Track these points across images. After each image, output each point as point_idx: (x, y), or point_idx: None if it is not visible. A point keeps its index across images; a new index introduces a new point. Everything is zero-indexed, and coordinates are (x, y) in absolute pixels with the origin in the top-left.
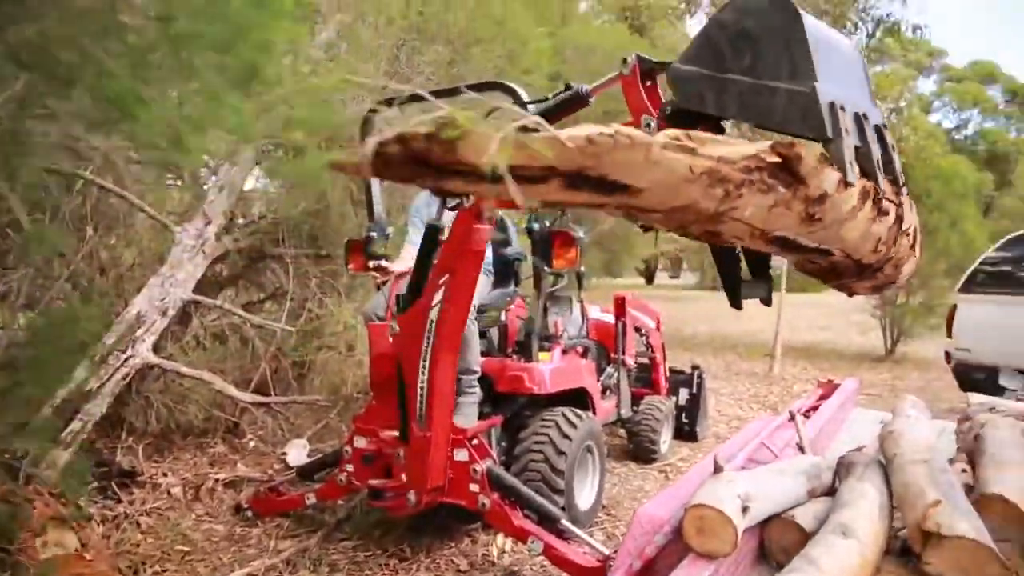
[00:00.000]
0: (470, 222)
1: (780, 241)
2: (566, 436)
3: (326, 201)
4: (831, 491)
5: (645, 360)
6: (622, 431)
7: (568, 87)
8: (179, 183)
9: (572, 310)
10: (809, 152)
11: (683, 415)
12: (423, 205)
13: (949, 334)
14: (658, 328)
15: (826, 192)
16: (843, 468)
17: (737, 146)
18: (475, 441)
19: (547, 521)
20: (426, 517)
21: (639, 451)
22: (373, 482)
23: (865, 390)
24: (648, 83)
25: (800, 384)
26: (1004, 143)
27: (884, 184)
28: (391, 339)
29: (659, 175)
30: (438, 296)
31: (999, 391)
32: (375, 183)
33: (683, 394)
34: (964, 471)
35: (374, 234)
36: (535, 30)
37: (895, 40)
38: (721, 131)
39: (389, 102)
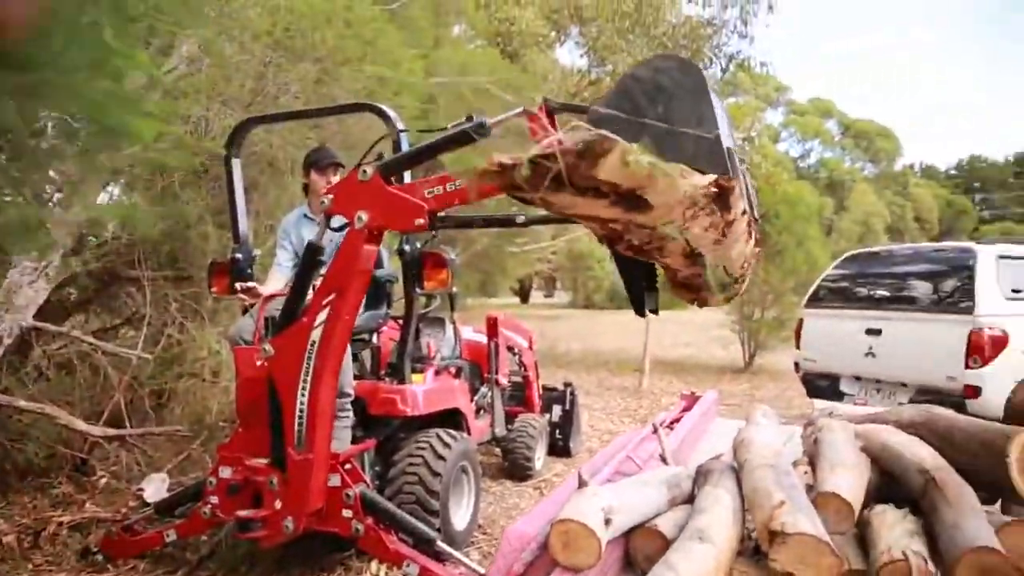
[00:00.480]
0: (360, 242)
1: (695, 256)
2: (440, 457)
3: (186, 221)
4: (691, 499)
5: (518, 379)
6: (497, 450)
7: (469, 118)
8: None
9: (445, 331)
10: (738, 186)
11: (557, 431)
12: (292, 227)
13: (797, 345)
14: (531, 347)
15: (736, 217)
16: (701, 476)
17: (696, 177)
18: (348, 466)
19: (422, 544)
20: (296, 548)
21: (514, 469)
22: (241, 513)
23: (726, 400)
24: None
25: (668, 397)
26: (840, 172)
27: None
28: (262, 362)
29: (671, 196)
30: (321, 316)
31: (840, 397)
32: (239, 202)
33: (556, 411)
34: (806, 472)
35: (240, 256)
36: (407, 52)
37: (746, 75)
38: None
39: (261, 119)
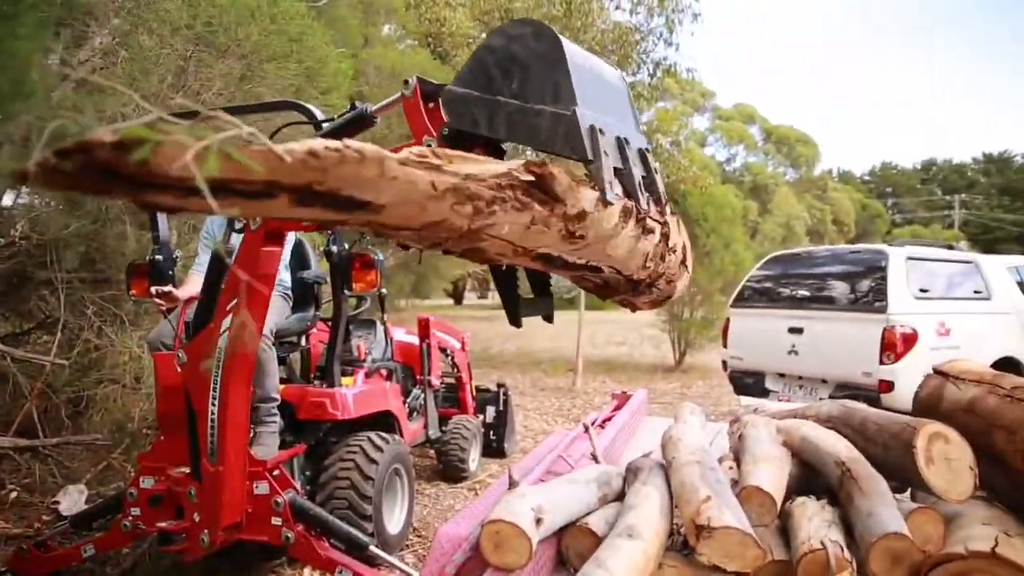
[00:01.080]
0: (258, 244)
1: (545, 258)
2: (372, 461)
3: (103, 220)
4: (622, 496)
5: (451, 380)
6: (431, 452)
7: (353, 106)
8: None
9: (376, 333)
10: (561, 171)
11: (491, 432)
12: (215, 228)
13: (725, 344)
14: (463, 348)
15: (584, 210)
16: (631, 473)
17: (489, 164)
18: (276, 472)
19: (355, 549)
20: (224, 558)
21: (449, 470)
22: (162, 525)
23: (657, 399)
24: (430, 104)
25: (600, 396)
26: (764, 176)
27: (649, 204)
28: (179, 369)
29: (400, 191)
30: (227, 322)
31: (765, 393)
32: None
33: (490, 412)
34: (731, 468)
35: (160, 257)
36: (334, 50)
37: (674, 81)
38: (500, 153)
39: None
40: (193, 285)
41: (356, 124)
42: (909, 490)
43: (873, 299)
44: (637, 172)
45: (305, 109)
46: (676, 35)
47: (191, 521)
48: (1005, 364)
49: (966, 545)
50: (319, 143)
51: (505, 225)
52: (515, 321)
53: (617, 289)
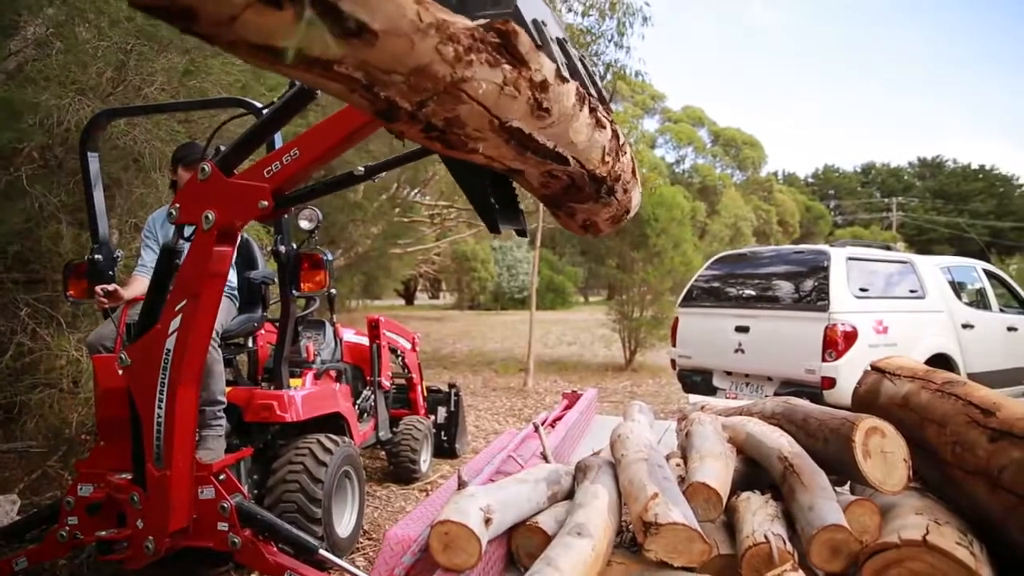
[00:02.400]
0: (210, 243)
1: (518, 135)
2: (322, 463)
3: (37, 219)
4: (572, 495)
5: (402, 381)
6: (382, 453)
7: (292, 85)
8: None
9: (325, 334)
10: (523, 32)
11: (442, 433)
12: (158, 226)
13: (674, 343)
14: (414, 349)
15: (547, 80)
16: (580, 472)
17: (458, 16)
18: (222, 476)
19: (304, 553)
20: (169, 565)
21: (400, 472)
22: (102, 533)
23: (608, 398)
24: None
25: (552, 396)
26: (712, 178)
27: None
28: (121, 371)
29: (390, 15)
30: (175, 323)
31: (713, 391)
32: (98, 200)
33: (441, 412)
34: (678, 464)
35: (100, 257)
36: None
37: (625, 83)
38: None
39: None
40: (137, 286)
41: (298, 99)
42: (848, 483)
43: (816, 298)
44: (578, 68)
45: (252, 106)
46: (627, 38)
47: (134, 528)
48: (938, 360)
49: (899, 534)
50: None
51: (482, 83)
52: (494, 227)
53: (582, 189)
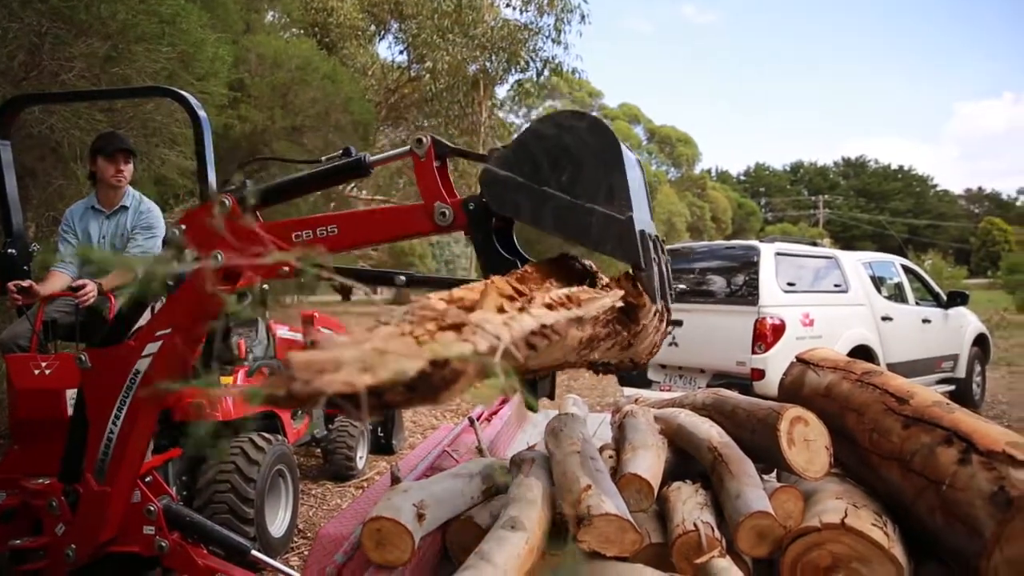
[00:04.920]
0: (212, 282)
1: (592, 363)
2: (254, 462)
3: None
4: (507, 488)
5: None
6: (318, 451)
7: (347, 152)
8: None
9: (257, 330)
10: (646, 296)
11: (378, 429)
12: (76, 219)
13: None
14: None
15: (647, 326)
16: (515, 466)
17: (601, 299)
18: (148, 479)
19: (235, 555)
20: (89, 573)
21: (336, 469)
22: (16, 542)
23: None
24: (438, 164)
25: None
26: (648, 174)
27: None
28: (42, 371)
29: (558, 356)
30: (152, 347)
31: (648, 384)
32: (11, 191)
33: None
34: (611, 456)
35: (13, 251)
36: (211, 35)
37: (562, 79)
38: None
39: (35, 98)
40: (55, 282)
41: (350, 172)
42: (775, 471)
43: (746, 292)
44: (663, 268)
45: (180, 96)
46: (565, 35)
47: (52, 536)
48: (860, 351)
49: (820, 518)
50: (528, 324)
51: (598, 352)
52: (531, 406)
53: (619, 368)
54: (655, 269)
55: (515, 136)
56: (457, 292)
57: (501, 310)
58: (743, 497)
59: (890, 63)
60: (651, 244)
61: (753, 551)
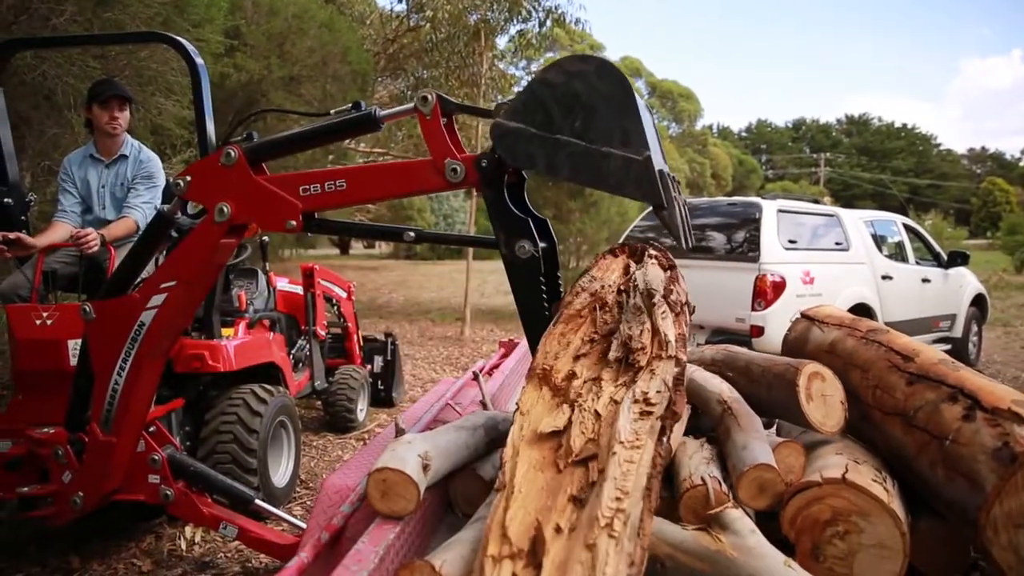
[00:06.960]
0: (217, 235)
1: None
2: (256, 413)
3: None
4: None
5: (338, 330)
6: (318, 403)
7: (356, 106)
8: None
9: (258, 282)
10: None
11: (379, 382)
12: (75, 168)
13: None
14: (350, 297)
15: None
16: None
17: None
18: (152, 428)
19: (240, 504)
20: (95, 519)
21: (337, 421)
22: (24, 490)
23: None
24: (444, 121)
25: (488, 345)
26: None
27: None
28: (43, 322)
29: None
30: (157, 299)
31: None
32: (3, 137)
33: (378, 361)
34: None
35: (9, 201)
36: None
37: (563, 31)
38: (523, 178)
39: (26, 43)
40: (56, 232)
41: (360, 127)
42: (775, 426)
43: (747, 249)
44: (681, 209)
45: (176, 42)
46: None
47: (59, 483)
48: (859, 309)
49: (821, 473)
50: None
51: None
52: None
53: None
54: (676, 208)
55: (522, 87)
56: None
57: None
58: (749, 448)
59: (898, 18)
60: (670, 183)
61: (753, 503)
